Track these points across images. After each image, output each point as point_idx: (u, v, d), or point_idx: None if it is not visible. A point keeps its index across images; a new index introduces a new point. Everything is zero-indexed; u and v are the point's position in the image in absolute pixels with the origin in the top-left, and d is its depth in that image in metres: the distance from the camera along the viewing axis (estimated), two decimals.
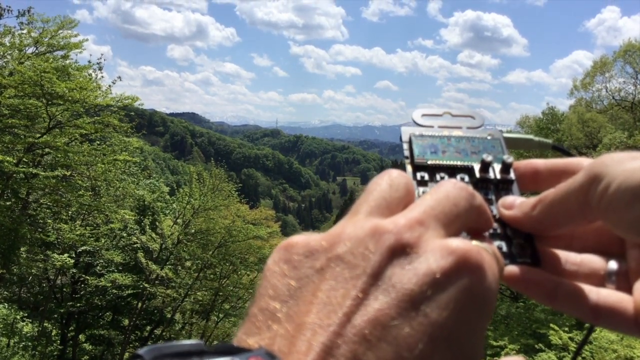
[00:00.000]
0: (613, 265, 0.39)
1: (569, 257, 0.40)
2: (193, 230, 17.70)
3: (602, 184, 0.33)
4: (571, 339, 10.53)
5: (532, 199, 0.39)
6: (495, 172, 0.41)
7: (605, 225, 0.35)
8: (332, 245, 0.31)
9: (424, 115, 0.47)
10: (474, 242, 0.31)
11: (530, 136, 0.48)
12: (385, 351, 0.26)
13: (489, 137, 0.44)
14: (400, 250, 0.29)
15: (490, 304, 0.30)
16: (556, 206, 0.37)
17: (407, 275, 0.28)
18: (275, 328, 0.28)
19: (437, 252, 0.29)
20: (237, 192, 19.68)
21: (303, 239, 0.32)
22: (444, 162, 0.42)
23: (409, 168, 0.42)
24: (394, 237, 0.30)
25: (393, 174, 0.36)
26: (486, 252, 0.31)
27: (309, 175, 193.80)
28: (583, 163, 0.39)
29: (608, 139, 17.62)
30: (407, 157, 0.43)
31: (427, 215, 0.32)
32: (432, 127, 0.45)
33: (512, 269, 0.37)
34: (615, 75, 21.31)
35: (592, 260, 0.40)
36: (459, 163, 0.42)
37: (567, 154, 0.47)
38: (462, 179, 0.40)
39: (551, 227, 0.38)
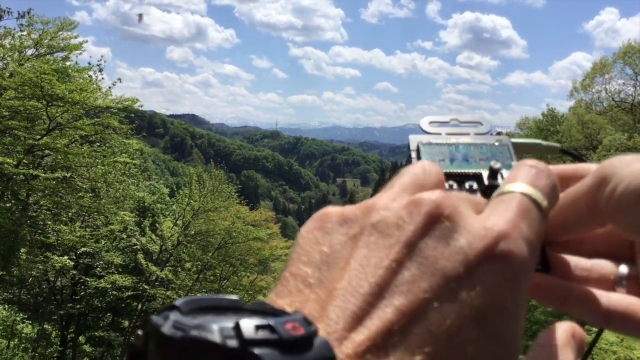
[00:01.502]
0: (623, 269, 0.39)
1: (579, 263, 0.40)
2: (193, 232, 17.70)
3: (610, 185, 0.33)
4: None
5: None
6: (504, 178, 0.41)
7: (615, 228, 0.35)
8: (366, 214, 0.31)
9: (431, 122, 0.47)
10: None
11: (539, 141, 0.48)
12: (415, 324, 0.26)
13: (496, 144, 0.44)
14: (436, 222, 0.29)
15: (522, 284, 0.29)
16: (565, 211, 0.37)
17: (439, 249, 0.28)
18: (307, 292, 0.29)
19: (472, 228, 0.29)
20: (236, 194, 19.71)
21: (337, 208, 0.33)
22: (452, 170, 0.41)
23: None
24: (430, 207, 0.29)
25: (425, 162, 0.37)
26: (519, 233, 0.30)
27: (308, 177, 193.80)
28: (591, 168, 0.39)
29: (608, 140, 17.64)
30: None
31: (460, 195, 0.32)
32: (439, 134, 0.45)
33: None
34: (614, 77, 21.34)
35: (602, 265, 0.40)
36: (467, 170, 0.42)
37: (576, 157, 0.47)
38: (471, 187, 0.40)
39: (561, 232, 0.38)
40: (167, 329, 0.23)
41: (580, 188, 0.36)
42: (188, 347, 0.23)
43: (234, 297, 0.26)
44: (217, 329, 0.23)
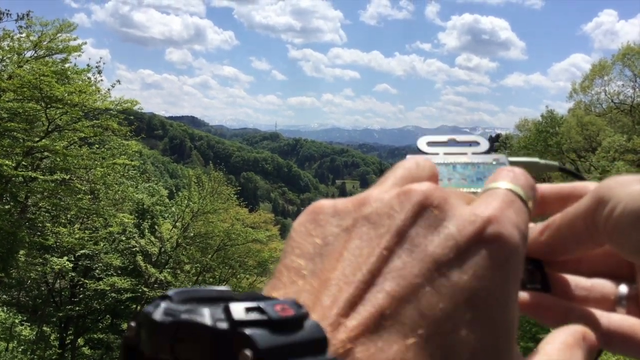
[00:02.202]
0: (623, 289, 0.39)
1: (579, 282, 0.40)
2: (192, 234, 17.71)
3: (608, 207, 0.33)
4: None
5: (540, 225, 0.38)
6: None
7: (613, 249, 0.35)
8: (358, 206, 0.31)
9: (429, 143, 0.47)
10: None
11: (536, 159, 0.48)
12: (407, 308, 0.27)
13: (494, 162, 0.44)
14: (425, 210, 0.29)
15: (513, 268, 0.29)
16: (564, 231, 0.37)
17: (430, 237, 0.29)
18: (301, 284, 0.29)
19: (461, 216, 0.29)
20: (236, 196, 19.71)
21: (330, 201, 0.33)
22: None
23: None
24: (419, 197, 0.30)
25: (419, 157, 0.37)
26: (508, 218, 0.30)
27: (308, 179, 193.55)
28: (589, 187, 0.39)
29: (607, 142, 17.67)
30: None
31: (450, 187, 0.33)
32: (437, 154, 0.45)
33: (522, 295, 0.37)
34: (614, 79, 21.39)
35: (602, 285, 0.40)
36: (464, 190, 0.42)
37: (574, 174, 0.47)
38: None
39: (560, 252, 0.38)
40: (158, 315, 0.23)
41: (578, 208, 0.36)
42: (179, 331, 0.23)
43: (225, 287, 0.26)
44: (207, 312, 0.23)
